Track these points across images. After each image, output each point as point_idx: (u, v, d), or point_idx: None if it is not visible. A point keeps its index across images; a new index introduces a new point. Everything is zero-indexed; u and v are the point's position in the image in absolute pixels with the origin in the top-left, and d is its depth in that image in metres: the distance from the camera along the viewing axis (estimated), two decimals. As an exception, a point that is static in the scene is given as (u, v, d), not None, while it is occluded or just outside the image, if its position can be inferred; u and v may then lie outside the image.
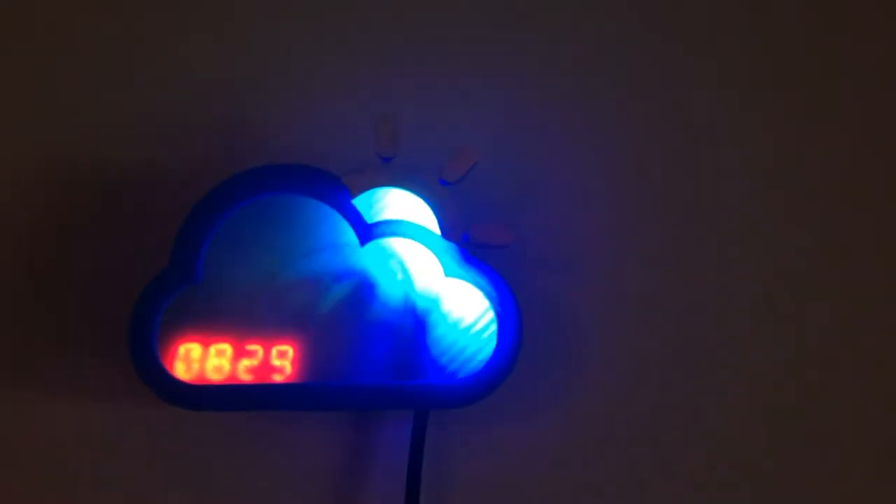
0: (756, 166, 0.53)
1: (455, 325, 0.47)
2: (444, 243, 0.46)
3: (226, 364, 0.46)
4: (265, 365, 0.46)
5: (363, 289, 0.47)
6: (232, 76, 0.53)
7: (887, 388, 0.50)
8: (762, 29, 0.55)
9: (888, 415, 0.50)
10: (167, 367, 0.45)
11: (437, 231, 0.47)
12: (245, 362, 0.46)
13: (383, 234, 0.47)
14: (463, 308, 0.47)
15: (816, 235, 0.52)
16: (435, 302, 0.48)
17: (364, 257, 0.47)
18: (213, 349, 0.46)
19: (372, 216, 0.47)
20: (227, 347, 0.46)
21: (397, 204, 0.48)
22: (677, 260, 0.52)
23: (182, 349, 0.46)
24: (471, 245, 0.47)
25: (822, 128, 0.54)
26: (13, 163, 0.52)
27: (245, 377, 0.45)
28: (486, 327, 0.47)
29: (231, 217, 0.46)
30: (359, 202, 0.47)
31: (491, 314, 0.47)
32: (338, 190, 0.47)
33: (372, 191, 0.47)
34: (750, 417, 0.50)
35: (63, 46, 0.53)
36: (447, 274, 0.47)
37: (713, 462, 0.49)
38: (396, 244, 0.47)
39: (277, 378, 0.46)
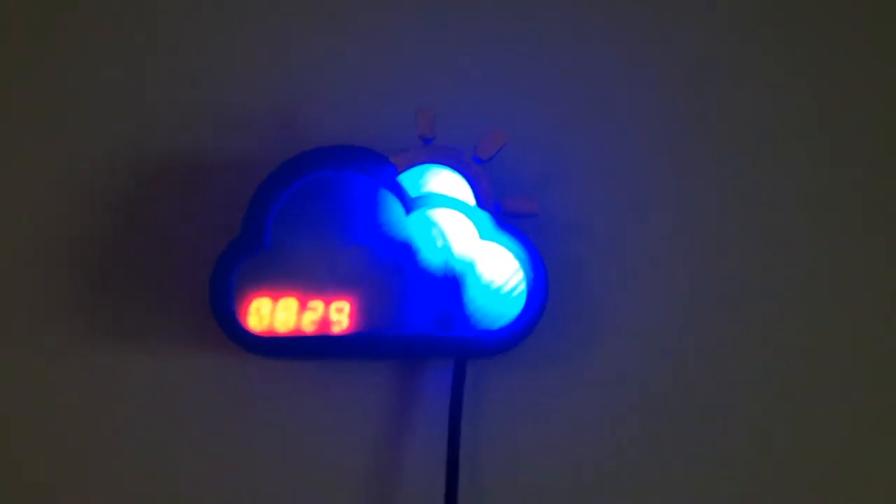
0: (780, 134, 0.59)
1: (489, 284, 0.54)
2: (479, 211, 0.53)
3: (292, 318, 0.53)
4: (325, 319, 0.53)
5: (409, 253, 0.54)
6: (291, 69, 0.60)
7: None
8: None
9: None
10: (242, 320, 0.52)
11: (473, 202, 0.54)
12: (308, 316, 0.53)
13: (426, 206, 0.54)
14: (495, 269, 0.54)
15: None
16: (471, 265, 0.55)
17: (409, 226, 0.55)
18: (280, 305, 0.53)
19: (415, 190, 0.54)
20: (292, 303, 0.53)
21: (437, 180, 0.55)
22: (686, 230, 0.58)
23: (254, 305, 0.53)
24: (502, 214, 0.54)
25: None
26: (117, 151, 0.59)
27: (308, 329, 0.53)
28: (516, 286, 0.54)
29: (294, 192, 0.54)
30: (404, 178, 0.54)
31: (520, 274, 0.54)
32: (386, 167, 0.53)
33: (415, 168, 0.54)
34: (762, 355, 0.56)
35: (141, 47, 0.61)
36: (482, 237, 0.53)
37: (718, 400, 0.56)
38: (437, 214, 0.54)
39: (336, 330, 0.53)
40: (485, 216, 0.53)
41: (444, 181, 0.54)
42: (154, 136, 0.59)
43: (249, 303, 0.53)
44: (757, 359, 0.56)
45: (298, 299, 0.53)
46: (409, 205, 0.54)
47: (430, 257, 0.55)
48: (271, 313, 0.53)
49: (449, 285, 0.54)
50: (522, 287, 0.53)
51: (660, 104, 0.60)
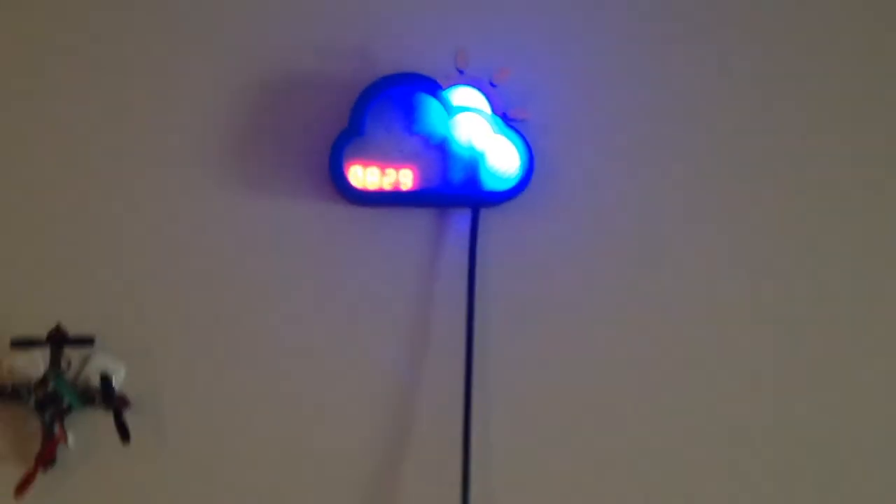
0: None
1: (495, 164, 0.87)
2: (493, 115, 0.86)
3: (375, 180, 0.86)
4: (397, 181, 0.86)
5: (448, 141, 0.87)
6: (371, 14, 0.92)
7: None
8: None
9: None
10: (347, 179, 0.85)
11: (489, 111, 0.86)
12: (386, 179, 0.86)
13: (460, 111, 0.86)
14: (501, 157, 0.87)
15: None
16: (483, 154, 0.87)
17: (449, 124, 0.87)
18: (368, 171, 0.86)
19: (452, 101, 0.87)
20: (376, 170, 0.86)
21: (466, 95, 0.87)
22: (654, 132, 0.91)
23: (351, 171, 0.86)
24: (507, 119, 0.86)
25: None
26: (249, 71, 0.91)
27: (387, 187, 0.86)
28: (510, 166, 0.87)
29: (379, 100, 0.86)
30: (446, 93, 0.86)
31: (517, 156, 0.86)
32: (435, 86, 0.86)
33: (453, 87, 0.86)
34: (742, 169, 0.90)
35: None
36: (495, 132, 0.86)
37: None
38: (466, 117, 0.87)
39: (404, 188, 0.86)
40: (496, 119, 0.86)
41: (469, 96, 0.87)
42: (270, 61, 0.91)
43: (348, 169, 0.86)
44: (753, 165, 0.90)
45: (380, 167, 0.86)
46: (449, 110, 0.87)
47: (461, 146, 0.87)
48: (363, 176, 0.86)
49: (471, 164, 0.87)
50: (517, 165, 0.86)
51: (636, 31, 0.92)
